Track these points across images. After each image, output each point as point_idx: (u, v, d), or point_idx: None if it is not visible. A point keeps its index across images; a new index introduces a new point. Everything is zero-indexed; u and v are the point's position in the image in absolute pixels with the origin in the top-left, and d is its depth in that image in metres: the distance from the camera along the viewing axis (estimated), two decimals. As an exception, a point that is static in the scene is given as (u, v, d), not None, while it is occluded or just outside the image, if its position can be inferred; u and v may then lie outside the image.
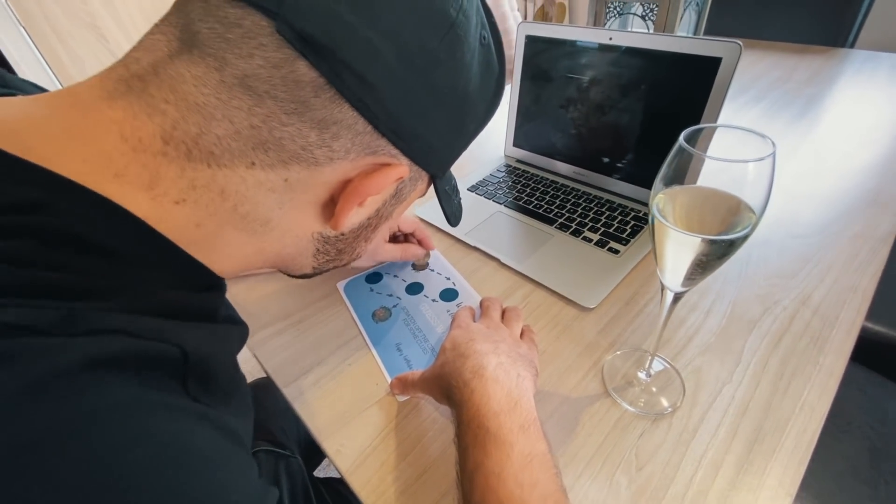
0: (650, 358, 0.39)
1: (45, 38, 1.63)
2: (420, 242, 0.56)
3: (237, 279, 0.54)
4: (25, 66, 1.62)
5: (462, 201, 0.42)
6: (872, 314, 0.70)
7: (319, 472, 0.69)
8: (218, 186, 0.23)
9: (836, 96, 0.87)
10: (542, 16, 1.96)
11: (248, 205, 0.25)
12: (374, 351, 0.46)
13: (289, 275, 0.36)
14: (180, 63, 0.22)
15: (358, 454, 0.37)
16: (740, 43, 0.47)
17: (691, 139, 0.26)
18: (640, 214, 0.59)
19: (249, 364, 0.44)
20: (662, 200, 0.28)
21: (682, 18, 0.66)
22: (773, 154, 0.24)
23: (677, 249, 0.28)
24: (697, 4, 0.71)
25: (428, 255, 0.57)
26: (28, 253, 0.19)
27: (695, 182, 0.27)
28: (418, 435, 0.39)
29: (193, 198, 0.23)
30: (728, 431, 0.37)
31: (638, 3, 0.67)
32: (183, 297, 0.24)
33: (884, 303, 0.71)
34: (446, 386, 0.35)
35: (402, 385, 0.41)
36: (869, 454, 0.58)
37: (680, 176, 0.27)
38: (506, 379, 0.33)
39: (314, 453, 0.66)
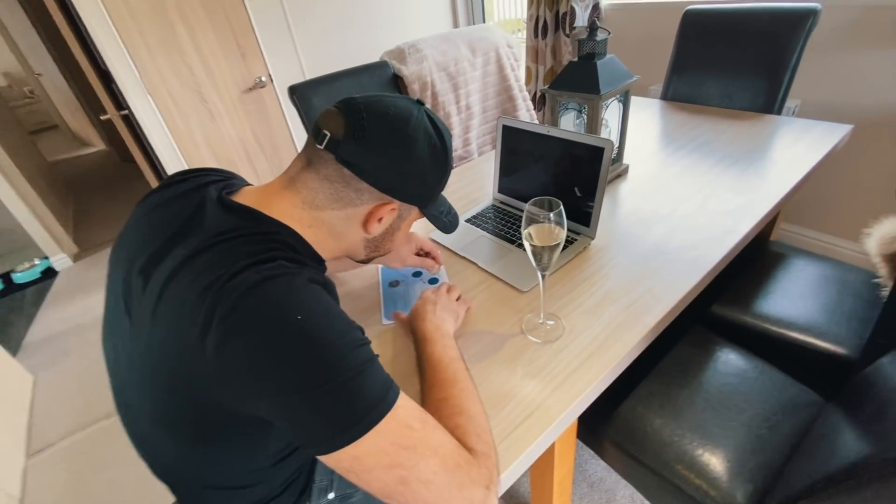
0: (542, 312, 0.74)
1: (164, 101, 2.16)
2: (434, 259, 0.90)
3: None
4: (149, 122, 2.14)
5: (458, 218, 0.73)
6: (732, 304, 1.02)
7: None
8: (320, 219, 0.55)
9: (742, 153, 1.18)
10: (552, 75, 2.35)
11: (333, 227, 0.57)
12: (381, 301, 0.85)
13: (354, 260, 0.67)
14: (305, 172, 0.55)
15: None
16: (613, 141, 0.82)
17: (529, 210, 0.61)
18: (569, 238, 0.93)
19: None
20: (528, 231, 0.63)
21: (604, 113, 1.01)
22: (560, 210, 0.59)
23: (530, 251, 0.63)
24: (620, 100, 1.06)
25: (438, 267, 0.92)
26: (279, 248, 0.53)
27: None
28: (401, 347, 0.74)
29: (314, 224, 0.55)
30: (580, 350, 0.70)
31: (576, 103, 1.03)
32: (320, 274, 0.60)
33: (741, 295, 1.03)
34: (410, 324, 0.72)
35: (398, 318, 0.78)
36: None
37: (533, 220, 0.62)
38: (435, 319, 0.69)
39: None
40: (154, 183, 2.47)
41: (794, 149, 1.16)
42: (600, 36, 0.97)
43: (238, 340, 0.42)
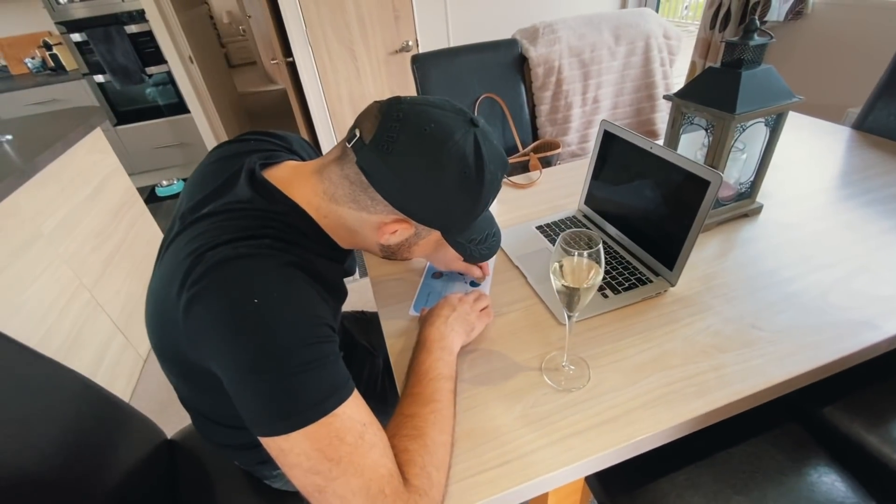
0: (565, 354, 0.64)
1: (321, 54, 2.37)
2: (481, 268, 0.84)
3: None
4: (306, 71, 2.38)
5: (496, 247, 0.69)
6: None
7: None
8: (337, 213, 0.55)
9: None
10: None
11: (348, 223, 0.56)
12: (419, 289, 0.83)
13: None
14: (333, 164, 0.54)
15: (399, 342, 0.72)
16: (721, 174, 0.65)
17: (563, 240, 0.52)
18: (643, 277, 0.79)
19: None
20: (558, 265, 0.54)
21: (740, 137, 0.81)
22: (599, 249, 0.49)
23: (556, 289, 0.54)
24: (768, 123, 0.84)
25: (484, 278, 0.85)
26: (276, 227, 0.53)
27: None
28: (412, 343, 0.71)
29: (330, 216, 0.56)
30: (595, 412, 0.59)
31: (704, 119, 0.84)
32: (320, 261, 0.58)
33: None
34: (421, 323, 0.67)
35: (423, 313, 0.74)
36: None
37: (567, 253, 0.53)
38: (443, 327, 0.64)
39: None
40: (303, 127, 2.77)
41: None
42: (755, 40, 0.76)
43: (200, 307, 0.45)
